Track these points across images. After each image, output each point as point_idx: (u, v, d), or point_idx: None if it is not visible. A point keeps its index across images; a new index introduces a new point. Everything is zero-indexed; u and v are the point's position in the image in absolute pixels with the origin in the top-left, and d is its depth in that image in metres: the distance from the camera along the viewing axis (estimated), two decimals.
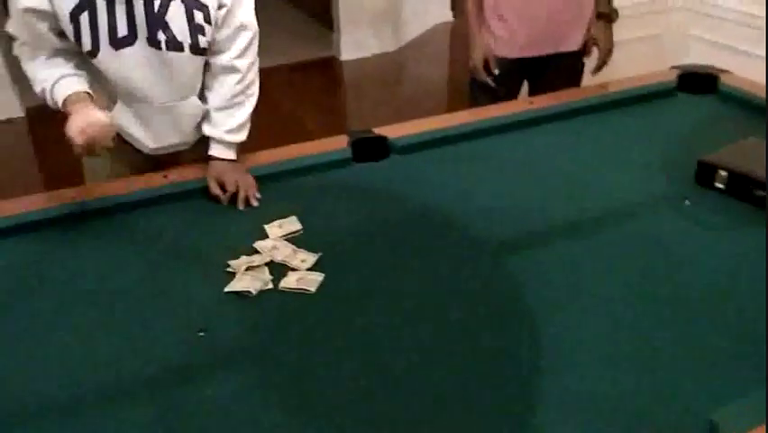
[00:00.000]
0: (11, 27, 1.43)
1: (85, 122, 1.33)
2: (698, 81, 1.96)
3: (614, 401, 1.00)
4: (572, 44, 2.12)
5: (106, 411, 1.02)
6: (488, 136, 1.77)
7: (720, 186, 1.47)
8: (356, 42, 4.56)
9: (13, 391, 1.06)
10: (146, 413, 1.01)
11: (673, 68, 2.05)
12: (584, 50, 2.15)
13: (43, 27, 1.39)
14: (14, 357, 1.13)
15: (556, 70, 2.15)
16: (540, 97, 1.95)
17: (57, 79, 1.42)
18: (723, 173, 1.47)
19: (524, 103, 1.95)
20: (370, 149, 1.69)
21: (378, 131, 1.76)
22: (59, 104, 1.42)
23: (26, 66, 1.46)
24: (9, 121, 3.93)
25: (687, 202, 1.45)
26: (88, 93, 1.43)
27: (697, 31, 3.17)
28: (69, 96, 1.40)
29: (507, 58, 2.12)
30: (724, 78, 1.92)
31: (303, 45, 4.84)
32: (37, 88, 1.45)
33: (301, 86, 4.35)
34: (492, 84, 2.11)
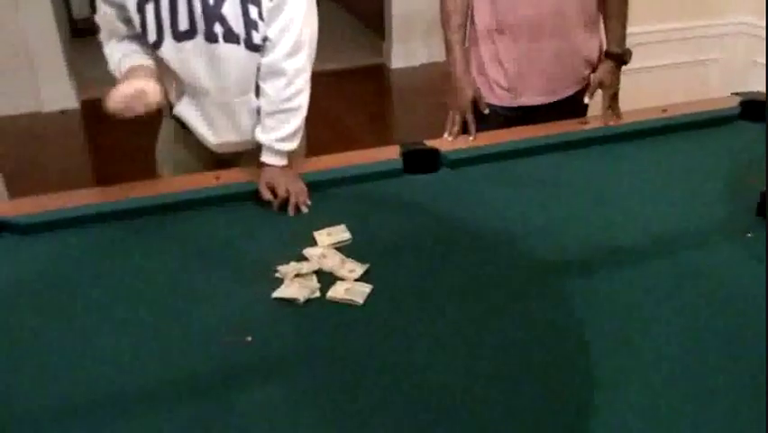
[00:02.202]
0: (97, 17, 1.54)
1: (121, 88, 1.39)
2: (760, 109, 1.90)
3: None
4: (575, 87, 1.92)
5: (149, 414, 1.02)
6: (541, 155, 1.74)
7: None
8: (406, 51, 4.57)
9: (45, 388, 1.06)
10: (188, 418, 1.01)
11: (735, 94, 2.00)
12: (584, 91, 1.91)
13: (113, 15, 1.48)
14: (51, 354, 1.14)
15: (558, 117, 1.90)
16: (596, 117, 1.92)
17: (125, 54, 1.50)
18: None
19: (578, 124, 1.92)
20: (421, 161, 1.68)
21: (429, 143, 1.75)
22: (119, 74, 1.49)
23: (104, 50, 1.55)
24: (64, 112, 4.03)
25: (749, 235, 1.41)
26: (150, 68, 1.49)
27: (761, 57, 3.09)
28: (132, 67, 1.47)
29: (506, 106, 1.89)
30: None
31: (354, 51, 4.87)
32: (111, 67, 1.52)
33: (350, 92, 4.37)
34: (472, 134, 1.81)
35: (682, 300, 1.23)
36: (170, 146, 1.73)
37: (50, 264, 1.36)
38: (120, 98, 1.38)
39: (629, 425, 0.97)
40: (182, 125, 1.66)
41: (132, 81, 1.41)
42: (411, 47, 4.55)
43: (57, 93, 4.00)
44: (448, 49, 1.87)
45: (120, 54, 1.51)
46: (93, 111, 3.96)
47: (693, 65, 3.22)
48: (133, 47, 1.51)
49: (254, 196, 1.53)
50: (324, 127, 3.50)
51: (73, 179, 3.30)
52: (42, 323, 1.21)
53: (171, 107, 1.64)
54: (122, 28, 1.50)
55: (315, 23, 1.56)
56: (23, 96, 3.95)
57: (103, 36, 1.55)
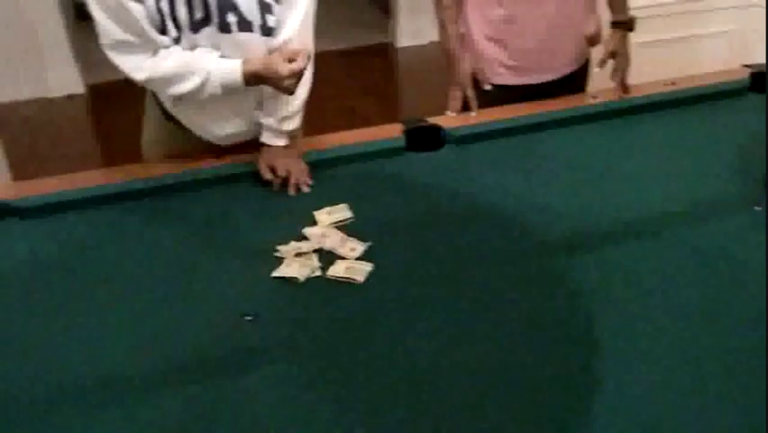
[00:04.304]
0: (119, 36, 1.35)
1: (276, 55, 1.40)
2: None
3: (665, 428, 0.93)
4: (573, 64, 1.89)
5: (148, 395, 1.02)
6: (547, 130, 1.71)
7: None
8: (413, 29, 4.52)
9: (49, 372, 1.06)
10: (189, 398, 1.01)
11: (745, 66, 1.96)
12: (584, 69, 1.91)
13: (142, 14, 1.34)
14: (55, 336, 1.13)
15: (558, 94, 1.85)
16: (602, 92, 1.88)
17: (218, 58, 1.41)
18: None
19: (586, 97, 1.88)
20: (424, 138, 1.66)
21: (433, 120, 1.73)
22: (239, 75, 1.40)
23: (166, 64, 1.39)
24: (70, 97, 4.02)
25: (757, 208, 1.38)
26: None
27: None
28: (242, 62, 1.41)
29: (503, 85, 1.84)
30: None
31: (360, 30, 4.83)
32: (191, 83, 1.39)
33: (356, 71, 4.34)
34: (474, 109, 1.79)
35: (692, 276, 1.21)
36: (163, 146, 1.65)
37: (51, 247, 1.35)
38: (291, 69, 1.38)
39: (636, 409, 0.96)
40: (179, 125, 1.59)
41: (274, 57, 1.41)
42: (418, 25, 4.49)
43: (63, 78, 3.98)
44: (441, 27, 1.84)
45: (211, 64, 1.40)
46: (99, 95, 3.96)
47: (704, 38, 3.16)
48: (213, 54, 1.42)
49: (255, 176, 1.52)
50: (329, 109, 3.47)
51: (81, 164, 3.30)
52: (46, 304, 1.20)
53: (164, 110, 1.58)
54: (158, 37, 1.37)
55: None
56: (29, 81, 3.95)
57: (140, 60, 1.38)
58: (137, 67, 1.40)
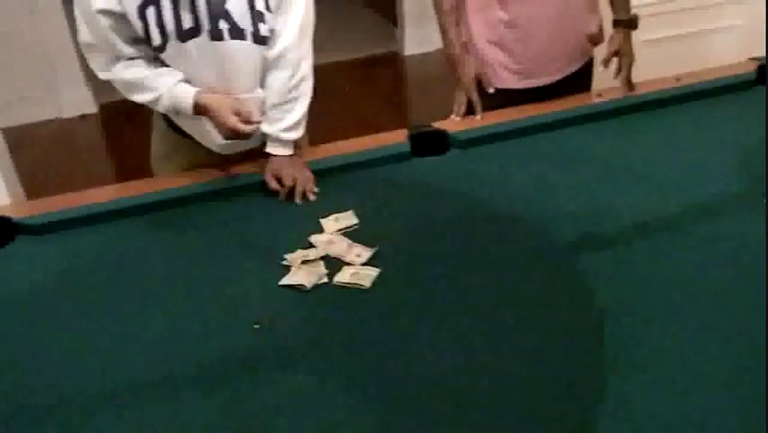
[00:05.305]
0: (85, 38, 1.44)
1: (234, 103, 1.43)
2: None
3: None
4: (577, 63, 1.88)
5: (158, 402, 1.03)
6: (552, 131, 1.71)
7: None
8: (420, 37, 4.53)
9: (70, 379, 1.08)
10: (198, 404, 1.02)
11: (752, 59, 1.94)
12: (587, 67, 1.91)
13: (115, 29, 1.40)
14: (69, 347, 1.15)
15: (562, 95, 1.85)
16: (608, 90, 1.88)
17: (176, 82, 1.45)
18: None
19: (592, 96, 1.88)
20: (429, 143, 1.66)
21: (438, 125, 1.73)
22: (190, 101, 1.45)
23: (125, 74, 1.46)
24: (83, 117, 4.08)
25: (766, 200, 1.37)
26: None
27: None
28: (198, 91, 1.45)
29: (508, 89, 1.83)
30: None
31: (367, 40, 4.84)
32: (144, 96, 1.47)
33: (365, 80, 4.35)
34: (478, 113, 1.80)
35: (704, 270, 1.21)
36: (170, 158, 1.67)
37: (65, 262, 1.37)
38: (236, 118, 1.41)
39: (649, 410, 0.95)
40: (183, 134, 1.62)
41: (226, 98, 1.44)
42: (424, 33, 4.50)
43: (76, 99, 4.04)
44: (443, 31, 1.84)
45: (172, 82, 1.45)
46: (111, 114, 4.00)
47: (713, 33, 3.14)
48: (177, 75, 1.46)
49: (261, 186, 1.53)
50: (339, 118, 3.48)
51: (95, 181, 3.33)
52: (62, 318, 1.22)
53: (168, 121, 1.60)
54: (125, 48, 1.43)
55: (312, 7, 1.54)
56: (44, 103, 4.00)
57: (103, 63, 1.47)
58: (100, 67, 1.48)
